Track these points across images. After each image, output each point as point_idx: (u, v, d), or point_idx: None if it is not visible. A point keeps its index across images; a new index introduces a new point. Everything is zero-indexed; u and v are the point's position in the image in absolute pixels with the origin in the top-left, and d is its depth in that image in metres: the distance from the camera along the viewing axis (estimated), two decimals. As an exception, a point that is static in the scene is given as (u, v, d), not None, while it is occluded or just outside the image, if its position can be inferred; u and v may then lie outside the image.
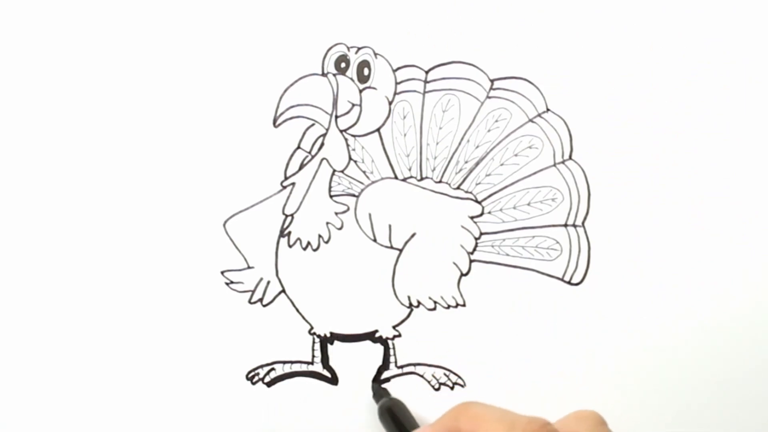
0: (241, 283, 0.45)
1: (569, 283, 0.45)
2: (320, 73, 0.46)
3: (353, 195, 0.46)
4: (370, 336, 0.45)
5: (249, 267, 0.45)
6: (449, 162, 0.45)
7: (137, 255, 0.45)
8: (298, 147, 0.46)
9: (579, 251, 0.45)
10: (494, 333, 0.45)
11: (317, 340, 0.45)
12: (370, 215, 0.45)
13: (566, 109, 0.45)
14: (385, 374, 0.45)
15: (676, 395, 0.44)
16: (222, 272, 0.45)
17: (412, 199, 0.45)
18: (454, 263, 0.45)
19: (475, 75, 0.45)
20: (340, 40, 0.46)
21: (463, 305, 0.45)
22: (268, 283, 0.45)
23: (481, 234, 0.45)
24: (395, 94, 0.46)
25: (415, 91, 0.45)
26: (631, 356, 0.45)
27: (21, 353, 0.46)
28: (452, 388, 0.45)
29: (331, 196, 0.46)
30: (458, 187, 0.45)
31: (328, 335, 0.45)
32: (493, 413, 0.35)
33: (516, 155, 0.45)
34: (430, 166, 0.45)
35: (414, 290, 0.45)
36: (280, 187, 0.46)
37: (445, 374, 0.45)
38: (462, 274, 0.45)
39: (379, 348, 0.45)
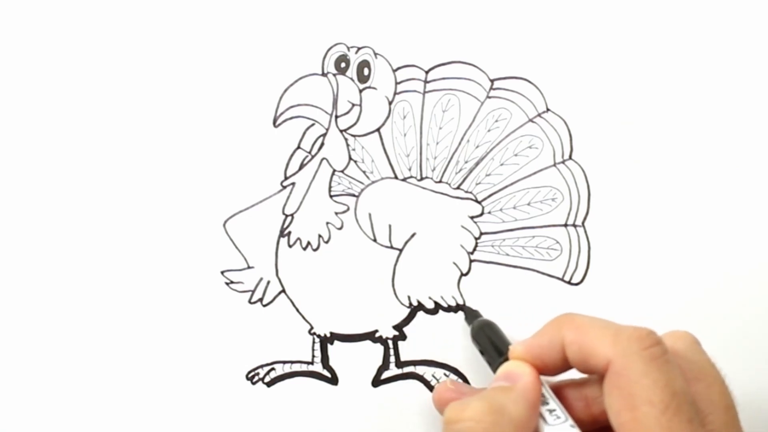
0: (241, 283, 0.45)
1: (569, 283, 0.45)
2: (320, 73, 0.46)
3: (353, 195, 0.46)
4: (370, 336, 0.45)
5: (249, 267, 0.45)
6: (449, 162, 0.45)
7: (137, 255, 0.45)
8: (298, 147, 0.46)
9: (579, 251, 0.45)
10: (494, 333, 0.45)
11: (317, 340, 0.45)
12: (370, 215, 0.45)
13: (566, 109, 0.45)
14: (385, 374, 0.45)
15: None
16: (222, 272, 0.45)
17: (412, 199, 0.45)
18: (454, 263, 0.45)
19: (475, 75, 0.45)
20: (340, 40, 0.46)
21: (463, 305, 0.45)
22: (268, 283, 0.45)
23: (481, 234, 0.45)
24: (395, 94, 0.46)
25: (415, 91, 0.45)
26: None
27: (21, 353, 0.46)
28: (452, 389, 0.45)
29: (331, 196, 0.46)
30: (458, 187, 0.45)
31: (328, 335, 0.45)
32: (597, 322, 0.35)
33: (516, 155, 0.45)
34: (430, 166, 0.45)
35: (414, 290, 0.45)
36: (280, 187, 0.46)
37: (445, 374, 0.45)
38: (462, 274, 0.45)
39: (379, 348, 0.45)
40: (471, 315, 0.44)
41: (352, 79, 0.45)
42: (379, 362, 0.45)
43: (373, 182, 0.46)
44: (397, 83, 0.46)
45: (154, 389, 0.45)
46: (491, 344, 0.41)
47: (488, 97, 0.45)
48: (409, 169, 0.46)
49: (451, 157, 0.45)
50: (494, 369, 0.39)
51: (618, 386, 0.33)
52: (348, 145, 0.46)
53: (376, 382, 0.45)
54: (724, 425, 0.34)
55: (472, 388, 0.42)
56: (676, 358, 0.34)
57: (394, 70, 0.46)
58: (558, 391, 0.37)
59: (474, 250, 0.45)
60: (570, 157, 0.45)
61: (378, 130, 0.46)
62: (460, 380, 0.45)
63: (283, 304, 0.46)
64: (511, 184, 0.45)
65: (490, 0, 0.46)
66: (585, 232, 0.45)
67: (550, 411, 0.36)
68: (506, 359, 0.38)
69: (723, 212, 0.45)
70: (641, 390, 0.32)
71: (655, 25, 0.45)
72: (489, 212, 0.45)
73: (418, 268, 0.45)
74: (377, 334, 0.45)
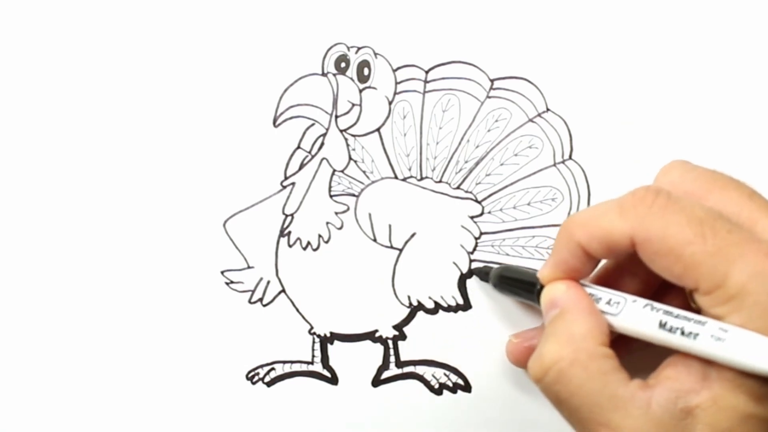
0: (241, 283, 0.45)
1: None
2: (320, 73, 0.46)
3: (353, 195, 0.46)
4: (370, 336, 0.45)
5: (249, 267, 0.45)
6: (449, 162, 0.45)
7: (137, 255, 0.45)
8: (298, 147, 0.46)
9: (579, 251, 0.45)
10: (494, 333, 0.45)
11: (317, 339, 0.45)
12: (370, 215, 0.45)
13: (566, 109, 0.45)
14: (385, 374, 0.45)
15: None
16: (222, 272, 0.45)
17: (412, 199, 0.45)
18: (454, 263, 0.45)
19: (475, 75, 0.45)
20: (340, 40, 0.46)
21: (463, 305, 0.45)
22: (268, 283, 0.45)
23: (481, 234, 0.45)
24: (395, 93, 0.46)
25: (415, 90, 0.45)
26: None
27: (21, 353, 0.46)
28: (453, 390, 0.45)
29: (331, 196, 0.46)
30: (458, 187, 0.45)
31: (328, 335, 0.45)
32: (598, 210, 0.36)
33: (516, 155, 0.45)
34: (430, 165, 0.45)
35: (414, 290, 0.45)
36: (280, 187, 0.46)
37: (445, 374, 0.45)
38: (462, 274, 0.45)
39: (379, 348, 0.45)
40: (482, 273, 0.44)
41: (352, 79, 0.45)
42: (379, 362, 0.45)
43: (373, 182, 0.46)
44: (397, 83, 0.46)
45: (154, 389, 0.45)
46: (520, 286, 0.41)
47: (488, 97, 0.45)
48: (409, 169, 0.46)
49: (451, 157, 0.45)
50: (537, 302, 0.39)
51: (653, 251, 0.33)
52: (348, 145, 0.46)
53: (376, 382, 0.45)
54: (758, 209, 0.34)
55: (535, 329, 0.43)
56: (680, 186, 0.35)
57: (394, 70, 0.46)
58: (601, 282, 0.38)
59: (474, 250, 0.45)
60: (570, 157, 0.45)
61: (378, 130, 0.46)
62: (460, 380, 0.45)
63: (283, 304, 0.45)
64: (511, 184, 0.45)
65: (490, 0, 0.45)
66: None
67: (608, 303, 0.36)
68: (541, 288, 0.38)
69: (723, 212, 0.45)
70: (673, 239, 0.32)
71: (655, 25, 0.45)
72: (489, 212, 0.45)
73: (418, 268, 0.45)
74: (377, 334, 0.45)
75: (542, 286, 0.38)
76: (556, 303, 0.37)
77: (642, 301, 0.35)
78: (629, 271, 0.39)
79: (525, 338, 0.42)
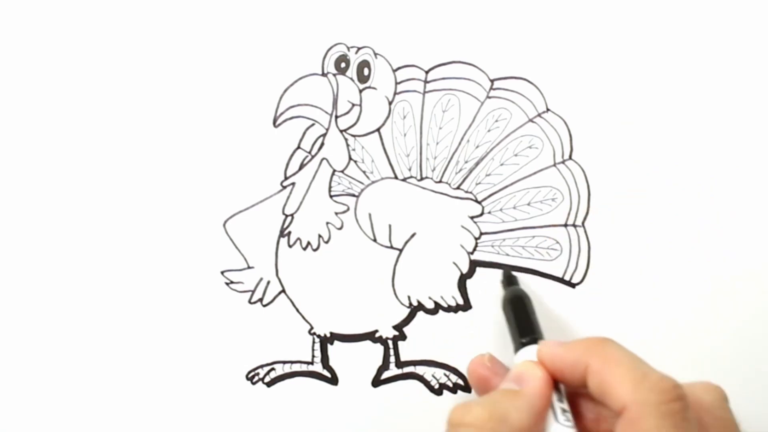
0: (241, 283, 0.45)
1: (569, 283, 0.45)
2: (320, 73, 0.46)
3: (353, 195, 0.46)
4: (370, 336, 0.45)
5: (249, 267, 0.45)
6: (449, 162, 0.45)
7: (137, 255, 0.45)
8: (298, 147, 0.46)
9: (579, 251, 0.45)
10: (494, 333, 0.45)
11: (317, 340, 0.45)
12: (370, 215, 0.45)
13: (566, 109, 0.45)
14: (385, 374, 0.45)
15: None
16: (222, 272, 0.45)
17: (412, 199, 0.45)
18: (454, 263, 0.45)
19: (475, 75, 0.45)
20: (340, 40, 0.46)
21: (463, 305, 0.45)
22: (268, 283, 0.45)
23: (481, 234, 0.45)
24: (395, 94, 0.46)
25: (415, 91, 0.45)
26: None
27: (21, 353, 0.46)
28: (453, 390, 0.45)
29: (331, 196, 0.46)
30: (458, 187, 0.45)
31: (328, 335, 0.45)
32: (626, 360, 0.34)
33: (516, 155, 0.45)
34: (430, 166, 0.45)
35: (414, 290, 0.45)
36: (280, 187, 0.46)
37: (445, 374, 0.45)
38: (462, 274, 0.45)
39: (379, 348, 0.45)
40: (508, 279, 0.43)
41: (352, 79, 0.45)
42: (379, 362, 0.45)
43: (373, 182, 0.46)
44: (397, 83, 0.46)
45: (154, 389, 0.45)
46: (517, 321, 0.40)
47: (488, 97, 0.45)
48: (409, 169, 0.46)
49: (451, 157, 0.45)
50: (514, 346, 0.39)
51: None
52: (348, 145, 0.46)
53: (376, 382, 0.45)
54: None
55: (505, 369, 0.41)
56: (700, 411, 0.34)
57: (394, 70, 0.46)
58: (573, 397, 0.37)
59: (474, 250, 0.45)
60: (570, 157, 0.45)
61: (378, 130, 0.46)
62: (460, 380, 0.45)
63: (283, 304, 0.46)
64: (511, 184, 0.45)
65: (490, 0, 0.45)
66: (585, 232, 0.45)
67: (563, 411, 0.35)
68: (524, 344, 0.38)
69: (723, 212, 0.45)
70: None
71: (655, 25, 0.45)
72: (489, 212, 0.45)
73: (418, 268, 0.45)
74: (377, 334, 0.45)
75: (527, 342, 0.38)
76: (521, 380, 0.36)
77: None
78: (601, 419, 0.37)
79: (493, 369, 0.41)
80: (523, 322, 0.40)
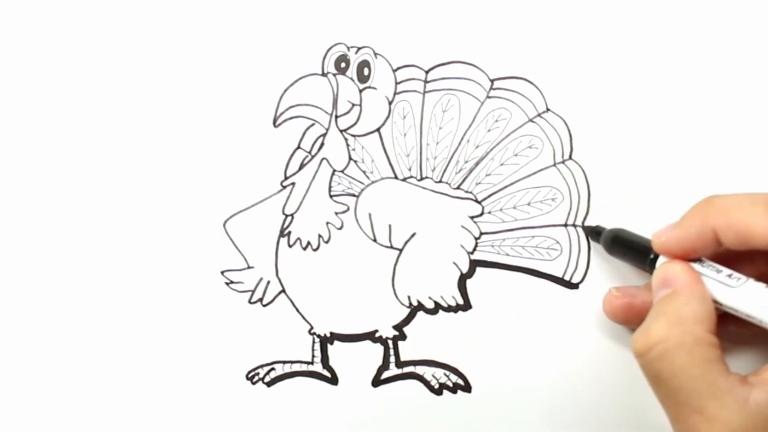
0: (241, 283, 0.45)
1: (569, 283, 0.45)
2: (320, 73, 0.46)
3: (353, 195, 0.46)
4: (370, 336, 0.45)
5: (249, 267, 0.45)
6: (449, 162, 0.45)
7: (137, 255, 0.45)
8: (298, 147, 0.46)
9: (579, 251, 0.45)
10: (493, 333, 0.45)
11: (317, 340, 0.45)
12: (370, 215, 0.45)
13: (566, 109, 0.45)
14: (385, 374, 0.45)
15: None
16: (222, 272, 0.45)
17: (412, 199, 0.45)
18: (454, 263, 0.45)
19: (475, 75, 0.45)
20: (340, 40, 0.46)
21: (463, 305, 0.45)
22: (268, 283, 0.45)
23: (481, 234, 0.45)
24: (395, 93, 0.46)
25: (415, 91, 0.45)
26: (632, 356, 0.44)
27: (21, 353, 0.46)
28: (453, 390, 0.45)
29: (331, 196, 0.46)
30: (458, 187, 0.45)
31: (328, 335, 0.45)
32: (741, 200, 0.35)
33: (516, 155, 0.45)
34: (430, 166, 0.45)
35: (414, 290, 0.45)
36: (280, 187, 0.46)
37: (445, 374, 0.45)
38: (462, 274, 0.45)
39: (379, 348, 0.45)
40: (593, 232, 0.44)
41: (352, 79, 0.45)
42: (379, 362, 0.45)
43: (373, 182, 0.46)
44: (397, 83, 0.46)
45: (154, 389, 0.45)
46: (633, 251, 0.41)
47: (488, 97, 0.45)
48: (409, 169, 0.46)
49: (451, 157, 0.45)
50: (646, 269, 0.39)
51: None
52: (348, 145, 0.46)
53: (376, 382, 0.45)
54: None
55: (638, 288, 0.42)
56: None
57: (394, 70, 0.46)
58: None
59: (474, 250, 0.45)
60: (570, 157, 0.45)
61: (378, 130, 0.46)
62: (460, 380, 0.45)
63: (283, 304, 0.45)
64: (511, 184, 0.45)
65: (490, 0, 0.45)
66: (585, 232, 0.45)
67: (729, 276, 0.36)
68: (656, 257, 0.39)
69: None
70: None
71: (655, 25, 0.45)
72: (489, 212, 0.45)
73: (418, 268, 0.45)
74: (377, 334, 0.45)
75: (656, 255, 0.38)
76: (670, 282, 0.37)
77: (763, 284, 0.35)
78: (746, 259, 0.39)
79: (626, 293, 0.42)
80: (638, 246, 0.40)
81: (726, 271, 0.37)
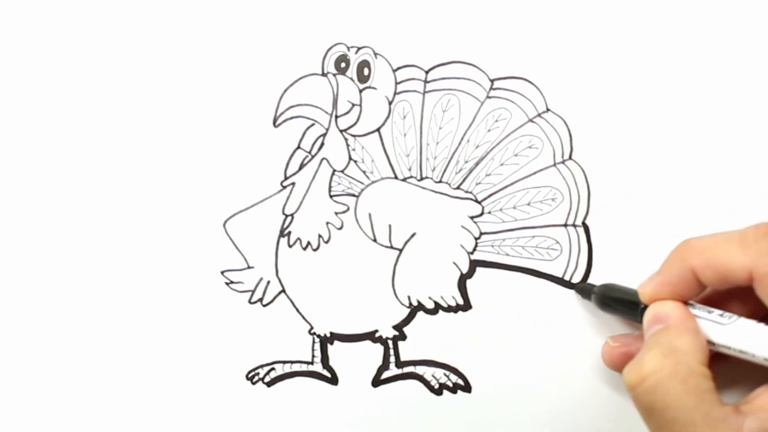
0: (241, 283, 0.45)
1: (569, 282, 0.45)
2: (320, 73, 0.46)
3: (353, 195, 0.46)
4: (370, 336, 0.45)
5: (249, 267, 0.45)
6: (449, 162, 0.45)
7: (137, 255, 0.45)
8: (298, 147, 0.46)
9: (579, 251, 0.45)
10: (493, 333, 0.45)
11: (317, 340, 0.45)
12: (370, 215, 0.45)
13: (566, 109, 0.45)
14: (385, 374, 0.45)
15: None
16: (222, 272, 0.45)
17: (412, 199, 0.45)
18: (454, 263, 0.45)
19: (475, 75, 0.45)
20: (340, 40, 0.46)
21: (463, 305, 0.45)
22: (268, 283, 0.45)
23: (481, 234, 0.45)
24: (395, 93, 0.46)
25: (415, 91, 0.45)
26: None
27: (21, 353, 0.46)
28: (453, 390, 0.45)
29: (331, 196, 0.46)
30: (458, 187, 0.45)
31: (328, 335, 0.45)
32: (716, 239, 0.36)
33: (516, 155, 0.45)
34: (430, 166, 0.45)
35: (414, 290, 0.45)
36: (280, 187, 0.46)
37: (445, 374, 0.45)
38: (462, 274, 0.45)
39: (379, 348, 0.45)
40: (584, 291, 0.44)
41: (352, 79, 0.45)
42: (379, 362, 0.45)
43: (373, 182, 0.46)
44: (397, 83, 0.46)
45: (154, 389, 0.45)
46: (622, 305, 0.41)
47: (488, 97, 0.45)
48: (409, 169, 0.46)
49: (451, 157, 0.45)
50: (638, 320, 0.40)
51: None
52: (348, 145, 0.46)
53: (376, 382, 0.45)
54: None
55: (632, 334, 0.43)
56: None
57: (394, 70, 0.46)
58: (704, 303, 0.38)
59: (474, 250, 0.45)
60: (570, 157, 0.45)
61: (378, 130, 0.46)
62: (460, 380, 0.45)
63: (283, 304, 0.45)
64: (511, 184, 0.45)
65: (490, 0, 0.45)
66: (585, 232, 0.45)
67: (720, 315, 0.36)
68: (645, 307, 0.39)
69: (723, 213, 0.45)
70: None
71: (655, 25, 0.45)
72: (489, 212, 0.45)
73: (418, 268, 0.45)
74: (377, 334, 0.45)
75: (645, 306, 0.39)
76: (662, 318, 0.37)
77: (753, 321, 0.36)
78: (736, 299, 0.39)
79: (623, 343, 0.42)
80: (627, 299, 0.41)
81: (716, 311, 0.37)
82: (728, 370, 0.39)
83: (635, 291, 0.40)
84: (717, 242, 0.36)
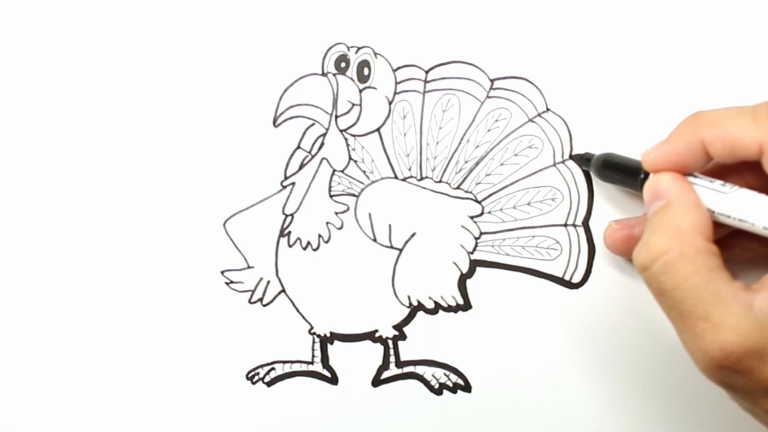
0: (241, 282, 0.45)
1: (569, 282, 0.45)
2: (320, 72, 0.46)
3: (353, 195, 0.46)
4: (370, 336, 0.45)
5: (249, 267, 0.45)
6: (449, 162, 0.45)
7: (137, 255, 0.45)
8: (298, 147, 0.46)
9: (579, 251, 0.45)
10: (494, 333, 0.45)
11: (317, 339, 0.45)
12: (370, 215, 0.45)
13: (566, 109, 0.45)
14: (385, 374, 0.45)
15: (678, 394, 0.44)
16: (222, 272, 0.45)
17: (412, 199, 0.45)
18: (454, 263, 0.45)
19: (475, 75, 0.45)
20: (340, 40, 0.46)
21: (463, 305, 0.45)
22: (268, 282, 0.45)
23: (481, 234, 0.45)
24: (395, 93, 0.46)
25: (415, 90, 0.45)
26: (632, 356, 0.44)
27: (21, 353, 0.46)
28: (453, 390, 0.45)
29: (331, 196, 0.46)
30: (458, 187, 0.45)
31: (328, 335, 0.45)
32: (728, 112, 0.35)
33: (516, 155, 0.45)
34: (430, 165, 0.45)
35: (414, 290, 0.45)
36: (280, 187, 0.46)
37: (445, 374, 0.45)
38: (462, 274, 0.45)
39: (379, 348, 0.45)
40: (583, 159, 0.44)
41: (352, 78, 0.45)
42: (379, 362, 0.45)
43: (373, 182, 0.46)
44: (397, 83, 0.46)
45: (154, 389, 0.45)
46: (623, 173, 0.41)
47: (488, 97, 0.45)
48: (409, 169, 0.46)
49: (451, 157, 0.45)
50: (638, 190, 0.39)
51: None
52: (348, 145, 0.46)
53: (376, 382, 0.45)
54: None
55: (636, 218, 0.42)
56: None
57: (394, 70, 0.46)
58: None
59: (474, 249, 0.45)
60: (570, 157, 0.45)
61: (378, 129, 0.46)
62: (460, 380, 0.45)
63: (283, 304, 0.45)
64: (511, 183, 0.45)
65: (490, 0, 0.46)
66: (585, 232, 0.45)
67: (722, 185, 0.36)
68: (645, 176, 0.38)
69: (723, 212, 0.45)
70: None
71: (654, 25, 0.45)
72: (489, 212, 0.45)
73: (418, 268, 0.45)
74: (377, 334, 0.45)
75: (646, 175, 0.38)
76: (662, 194, 0.37)
77: (754, 192, 0.35)
78: (735, 173, 0.39)
79: (625, 225, 0.42)
80: (628, 166, 0.40)
81: (718, 181, 0.37)
82: (742, 256, 0.38)
83: (638, 160, 0.39)
84: (729, 115, 0.35)
